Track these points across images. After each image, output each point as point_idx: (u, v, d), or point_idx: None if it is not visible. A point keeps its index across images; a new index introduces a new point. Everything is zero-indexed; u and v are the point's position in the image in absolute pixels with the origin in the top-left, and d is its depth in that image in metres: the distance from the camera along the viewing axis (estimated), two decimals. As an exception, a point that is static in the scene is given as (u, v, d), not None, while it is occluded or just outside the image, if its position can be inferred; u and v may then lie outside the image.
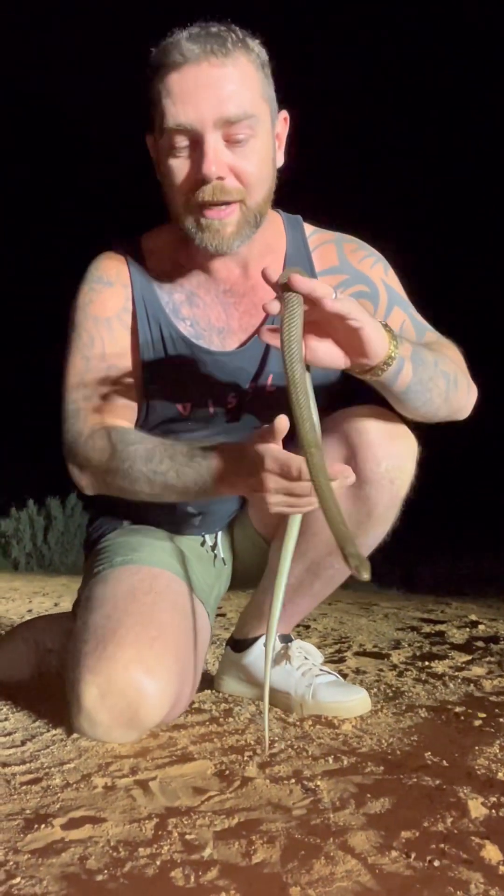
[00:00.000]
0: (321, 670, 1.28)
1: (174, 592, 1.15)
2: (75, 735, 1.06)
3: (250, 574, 1.35)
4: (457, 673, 1.62)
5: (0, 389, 9.27)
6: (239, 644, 1.35)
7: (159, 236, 1.25)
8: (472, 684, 1.51)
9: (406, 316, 1.26)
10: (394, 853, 0.71)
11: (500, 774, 0.94)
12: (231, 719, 1.20)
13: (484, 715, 1.24)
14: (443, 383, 1.10)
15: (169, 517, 1.31)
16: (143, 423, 1.24)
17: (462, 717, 1.23)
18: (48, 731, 1.11)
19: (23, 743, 1.05)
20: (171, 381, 1.21)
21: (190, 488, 1.06)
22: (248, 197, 1.10)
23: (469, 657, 1.83)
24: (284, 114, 1.17)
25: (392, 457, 1.13)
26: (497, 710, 1.27)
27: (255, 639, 1.33)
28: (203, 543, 1.34)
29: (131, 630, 1.03)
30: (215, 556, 1.36)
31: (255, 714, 1.24)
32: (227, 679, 1.38)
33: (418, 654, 1.90)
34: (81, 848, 0.72)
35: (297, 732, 1.14)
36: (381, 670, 1.66)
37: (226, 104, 1.04)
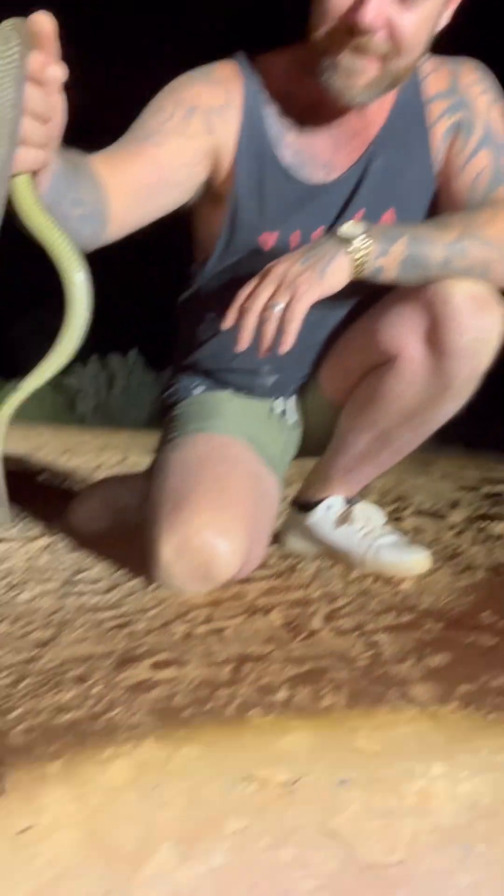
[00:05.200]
0: (383, 531, 1.33)
1: (246, 460, 1.18)
2: (154, 585, 1.16)
3: (318, 440, 1.37)
4: (515, 535, 1.66)
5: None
6: (303, 506, 1.40)
7: (276, 57, 1.18)
8: (530, 546, 1.54)
9: (489, 163, 1.17)
10: (453, 704, 0.78)
11: None
12: (295, 574, 1.28)
13: (542, 577, 1.27)
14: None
15: (244, 378, 1.32)
16: (223, 253, 1.21)
17: (520, 579, 1.27)
18: (128, 580, 1.20)
19: (108, 591, 1.15)
20: (259, 211, 1.18)
21: None
22: (392, 58, 1.01)
23: (528, 519, 1.85)
24: None
25: (477, 329, 1.07)
26: None
27: (319, 501, 1.38)
28: (272, 410, 1.35)
29: (205, 495, 1.08)
30: (285, 422, 1.37)
31: (317, 570, 1.31)
32: (290, 537, 1.44)
33: (476, 514, 1.93)
34: (168, 687, 0.81)
35: (358, 588, 1.21)
36: (438, 530, 1.70)
37: None
